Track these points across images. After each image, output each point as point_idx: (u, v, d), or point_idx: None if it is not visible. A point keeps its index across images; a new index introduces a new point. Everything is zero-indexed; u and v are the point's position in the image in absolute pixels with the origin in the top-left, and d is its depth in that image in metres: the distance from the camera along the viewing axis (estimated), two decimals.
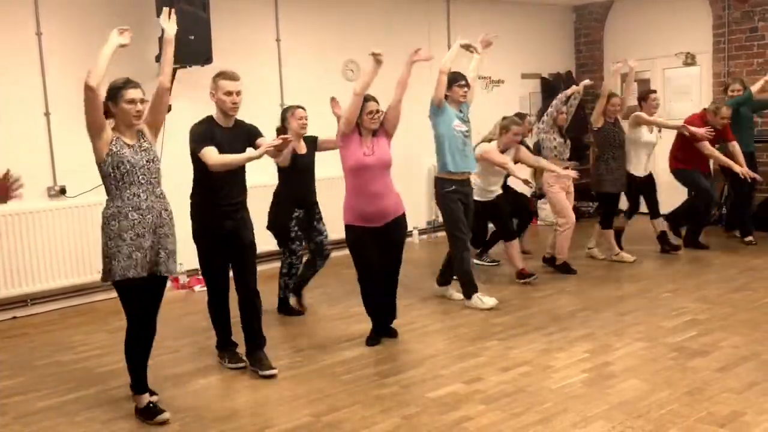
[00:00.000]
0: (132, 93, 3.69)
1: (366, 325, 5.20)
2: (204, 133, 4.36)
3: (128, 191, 3.73)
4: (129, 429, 3.82)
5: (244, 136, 4.53)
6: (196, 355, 4.95)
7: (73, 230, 6.23)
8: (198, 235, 4.51)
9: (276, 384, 4.33)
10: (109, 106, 3.72)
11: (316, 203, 5.76)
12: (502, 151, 6.34)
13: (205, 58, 6.41)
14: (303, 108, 5.58)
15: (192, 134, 4.40)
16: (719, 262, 6.97)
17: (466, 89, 5.64)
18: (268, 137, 4.57)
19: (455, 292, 6.06)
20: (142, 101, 3.74)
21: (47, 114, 6.26)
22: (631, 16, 9.96)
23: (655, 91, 7.48)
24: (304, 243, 5.72)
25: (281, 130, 5.47)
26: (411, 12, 8.65)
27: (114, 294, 4.04)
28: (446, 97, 5.57)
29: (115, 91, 3.70)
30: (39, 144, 6.23)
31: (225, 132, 4.41)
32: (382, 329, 5.11)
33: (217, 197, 4.41)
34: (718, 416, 3.61)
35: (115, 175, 3.72)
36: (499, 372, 4.34)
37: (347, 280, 6.30)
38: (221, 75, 4.39)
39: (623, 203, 7.38)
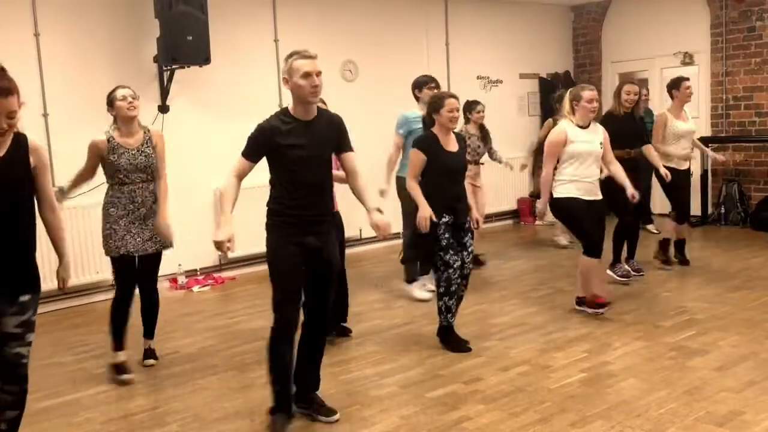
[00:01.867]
0: (122, 92, 4.43)
1: (365, 323, 5.19)
2: (257, 136, 3.53)
3: (125, 188, 4.44)
4: (127, 430, 3.82)
5: (334, 130, 3.68)
6: (195, 355, 4.94)
7: (72, 231, 6.20)
8: (272, 251, 3.62)
9: None
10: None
11: (468, 210, 4.90)
12: (584, 127, 5.24)
13: (204, 59, 6.43)
14: (455, 97, 4.67)
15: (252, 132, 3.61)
16: (717, 261, 6.98)
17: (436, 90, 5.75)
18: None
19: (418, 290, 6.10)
20: (133, 97, 4.44)
21: (45, 115, 6.26)
22: (629, 15, 9.96)
23: (688, 79, 6.54)
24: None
25: (429, 123, 4.80)
26: (409, 12, 8.63)
27: (113, 295, 4.62)
28: (418, 99, 5.99)
29: (110, 98, 4.47)
30: None
31: (304, 127, 3.54)
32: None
33: (295, 206, 3.57)
34: (716, 415, 3.62)
35: (114, 176, 4.44)
36: (498, 372, 4.34)
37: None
38: (295, 54, 3.53)
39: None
